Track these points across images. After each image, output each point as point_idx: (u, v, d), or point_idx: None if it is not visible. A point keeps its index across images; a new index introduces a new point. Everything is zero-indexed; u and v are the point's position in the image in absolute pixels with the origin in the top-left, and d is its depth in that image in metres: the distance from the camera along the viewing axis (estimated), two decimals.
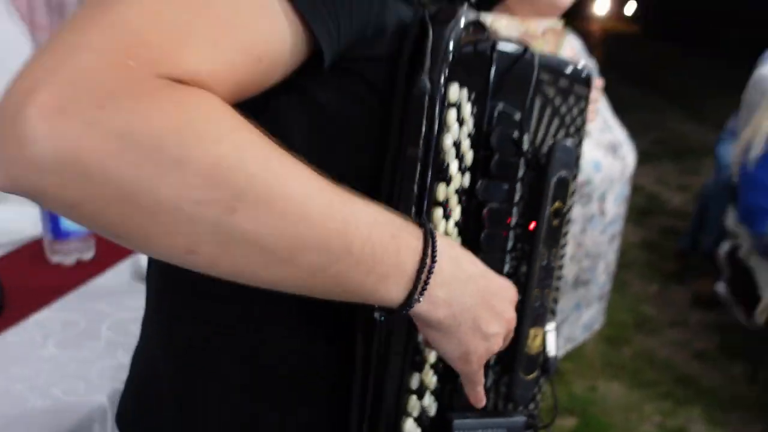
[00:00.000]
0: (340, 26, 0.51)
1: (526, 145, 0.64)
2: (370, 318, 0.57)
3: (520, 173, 0.65)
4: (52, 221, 1.39)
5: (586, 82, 0.70)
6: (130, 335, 1.18)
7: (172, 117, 0.41)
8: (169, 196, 0.41)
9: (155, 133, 0.40)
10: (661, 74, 12.22)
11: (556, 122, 0.69)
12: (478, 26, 0.66)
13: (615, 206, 1.69)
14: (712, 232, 3.40)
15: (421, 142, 0.57)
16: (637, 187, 5.29)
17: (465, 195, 0.63)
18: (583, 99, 0.70)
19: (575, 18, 23.11)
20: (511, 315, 0.62)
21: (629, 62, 13.74)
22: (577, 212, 1.63)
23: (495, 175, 0.63)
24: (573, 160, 0.68)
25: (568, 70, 0.69)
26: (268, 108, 0.54)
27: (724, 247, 3.14)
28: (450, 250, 0.56)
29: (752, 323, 2.73)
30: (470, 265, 0.58)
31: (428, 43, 0.56)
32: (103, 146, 0.39)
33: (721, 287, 3.05)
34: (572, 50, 1.56)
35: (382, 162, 0.58)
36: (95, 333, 1.18)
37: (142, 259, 1.44)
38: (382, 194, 0.58)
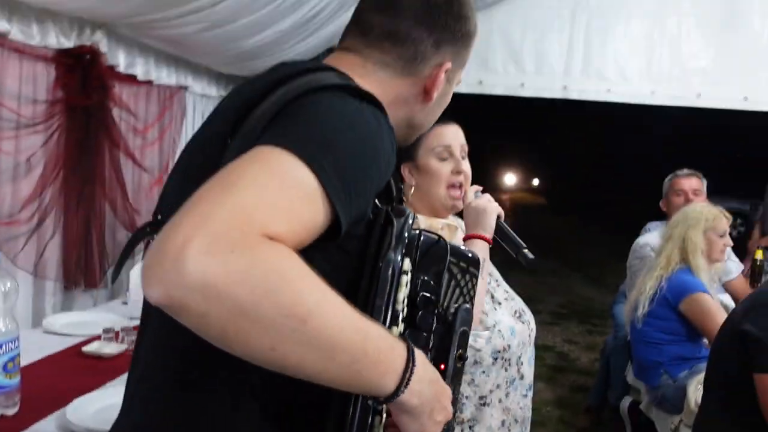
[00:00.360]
0: (352, 213, 0.78)
1: (440, 308, 0.90)
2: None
3: (434, 326, 0.89)
4: None
5: (477, 265, 0.95)
6: None
7: (272, 260, 0.67)
8: (267, 311, 0.65)
9: (268, 269, 0.66)
10: (564, 242, 13.17)
11: (458, 292, 0.93)
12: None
13: (529, 368, 1.83)
14: (616, 387, 3.63)
15: (386, 296, 0.82)
16: (547, 347, 5.60)
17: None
18: (475, 276, 0.95)
19: (487, 189, 24.67)
20: (450, 410, 0.86)
21: (537, 231, 14.74)
22: (500, 377, 1.75)
23: (418, 327, 0.87)
24: (470, 321, 0.92)
25: (467, 255, 0.95)
26: None
27: (626, 402, 3.37)
28: (422, 359, 0.81)
29: None
30: (432, 371, 0.84)
31: (393, 230, 0.83)
32: (231, 277, 0.64)
33: None
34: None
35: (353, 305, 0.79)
36: None
37: (68, 413, 1.49)
38: None
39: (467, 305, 0.92)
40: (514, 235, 1.57)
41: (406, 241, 0.85)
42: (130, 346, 1.98)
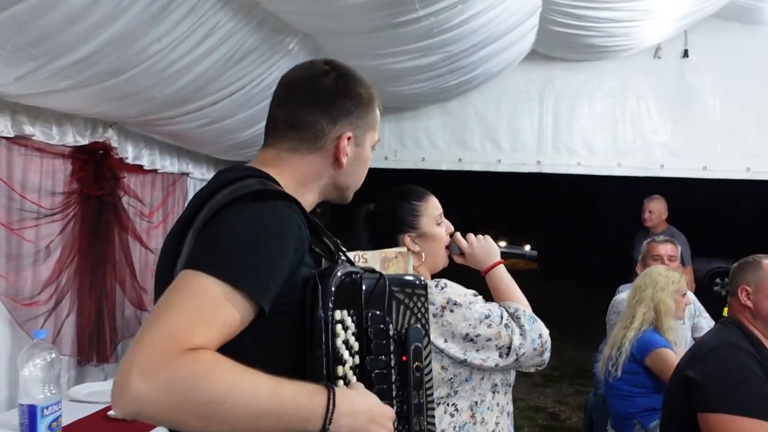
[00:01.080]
0: (272, 294, 1.01)
1: (391, 331, 1.10)
2: None
3: (392, 348, 1.10)
4: None
5: (423, 287, 1.16)
6: None
7: (187, 368, 0.91)
8: (193, 404, 0.90)
9: (185, 376, 0.90)
10: (556, 306, 13.34)
11: (408, 314, 1.13)
12: (351, 265, 1.16)
13: None
14: None
15: (323, 346, 1.04)
16: (539, 408, 5.76)
17: (359, 368, 1.08)
18: (423, 296, 1.15)
19: None
20: (390, 427, 1.05)
21: (530, 297, 14.88)
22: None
23: (375, 353, 1.08)
24: (422, 336, 1.12)
25: (410, 281, 1.16)
26: (238, 339, 1.02)
27: None
28: (344, 397, 1.01)
29: None
30: (360, 402, 1.03)
31: (319, 291, 1.05)
32: (161, 390, 0.89)
33: None
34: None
35: (303, 358, 1.06)
36: None
37: None
38: (307, 375, 1.04)
39: (417, 324, 1.13)
40: (514, 247, 2.08)
41: (333, 297, 1.04)
42: None
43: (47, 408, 1.69)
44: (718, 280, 13.63)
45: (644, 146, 4.83)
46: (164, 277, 1.07)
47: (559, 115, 4.82)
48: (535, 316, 1.79)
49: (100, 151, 3.07)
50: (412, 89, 4.08)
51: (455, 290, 1.72)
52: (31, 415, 1.72)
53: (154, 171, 3.67)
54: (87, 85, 2.41)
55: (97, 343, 3.03)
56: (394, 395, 1.10)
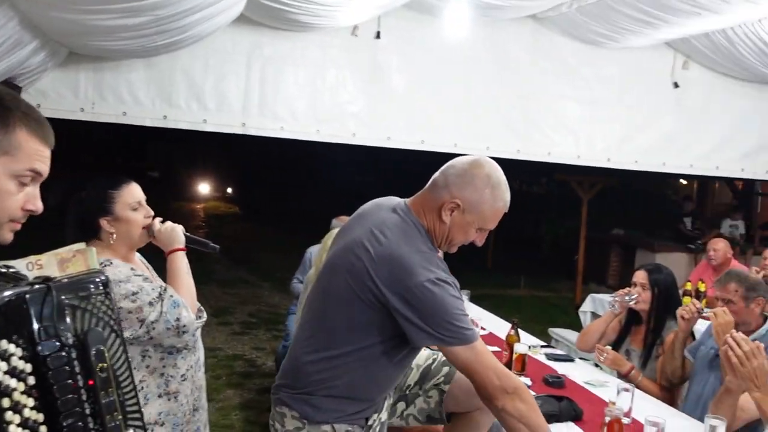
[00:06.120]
0: None
1: (71, 340, 1.06)
2: None
3: (74, 356, 1.06)
4: None
5: (102, 284, 1.13)
6: None
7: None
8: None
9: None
10: (256, 251, 13.87)
11: (88, 317, 1.10)
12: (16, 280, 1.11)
13: None
14: None
15: None
16: (237, 356, 6.10)
17: (38, 387, 1.03)
18: (102, 294, 1.12)
19: (180, 199, 24.57)
20: None
21: (231, 240, 15.20)
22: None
23: (54, 368, 1.03)
24: (103, 337, 1.10)
25: (83, 284, 1.11)
26: None
27: None
28: None
29: None
30: None
31: None
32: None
33: None
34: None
35: None
36: None
37: None
38: None
39: (98, 327, 1.11)
40: (198, 238, 2.26)
41: None
42: None
43: None
44: None
45: (340, 115, 5.32)
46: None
47: (266, 81, 5.04)
48: (182, 303, 2.04)
49: None
50: (117, 45, 3.91)
51: (113, 270, 1.96)
52: None
53: None
54: None
55: None
56: (87, 412, 1.09)
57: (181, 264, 2.15)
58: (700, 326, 3.43)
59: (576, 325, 5.98)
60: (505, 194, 1.87)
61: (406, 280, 1.71)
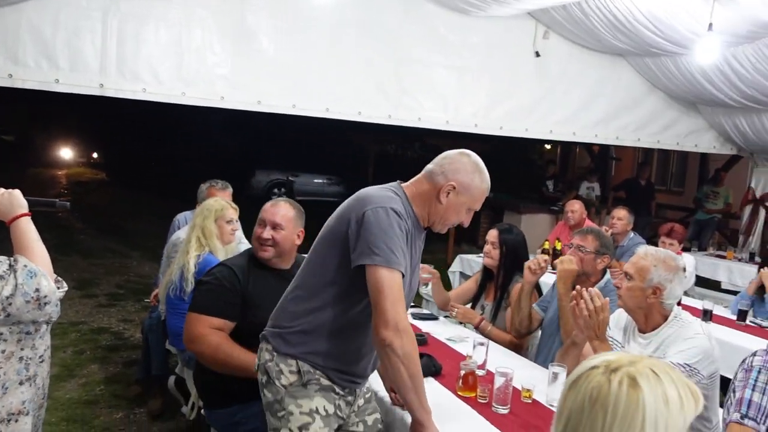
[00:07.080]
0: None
1: None
2: None
3: None
4: None
5: None
6: None
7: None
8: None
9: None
10: (124, 218, 13.23)
11: None
12: None
13: None
14: (157, 358, 4.15)
15: None
16: (103, 329, 5.84)
17: None
18: None
19: (38, 165, 22.85)
20: None
21: (97, 209, 14.39)
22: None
23: None
24: None
25: None
26: None
27: (171, 381, 3.87)
28: None
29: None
30: None
31: None
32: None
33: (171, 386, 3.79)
34: None
35: None
36: None
37: None
38: None
39: None
40: (41, 199, 2.16)
41: None
42: None
43: None
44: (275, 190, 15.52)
45: (208, 78, 5.15)
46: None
47: (124, 40, 4.76)
48: (39, 271, 1.88)
49: None
50: None
51: None
52: None
53: None
54: None
55: None
56: None
57: (28, 229, 1.97)
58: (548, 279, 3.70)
59: (447, 286, 6.23)
60: (488, 179, 2.15)
61: (365, 206, 1.98)
